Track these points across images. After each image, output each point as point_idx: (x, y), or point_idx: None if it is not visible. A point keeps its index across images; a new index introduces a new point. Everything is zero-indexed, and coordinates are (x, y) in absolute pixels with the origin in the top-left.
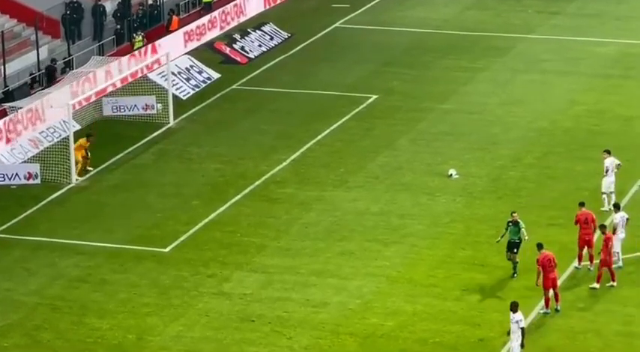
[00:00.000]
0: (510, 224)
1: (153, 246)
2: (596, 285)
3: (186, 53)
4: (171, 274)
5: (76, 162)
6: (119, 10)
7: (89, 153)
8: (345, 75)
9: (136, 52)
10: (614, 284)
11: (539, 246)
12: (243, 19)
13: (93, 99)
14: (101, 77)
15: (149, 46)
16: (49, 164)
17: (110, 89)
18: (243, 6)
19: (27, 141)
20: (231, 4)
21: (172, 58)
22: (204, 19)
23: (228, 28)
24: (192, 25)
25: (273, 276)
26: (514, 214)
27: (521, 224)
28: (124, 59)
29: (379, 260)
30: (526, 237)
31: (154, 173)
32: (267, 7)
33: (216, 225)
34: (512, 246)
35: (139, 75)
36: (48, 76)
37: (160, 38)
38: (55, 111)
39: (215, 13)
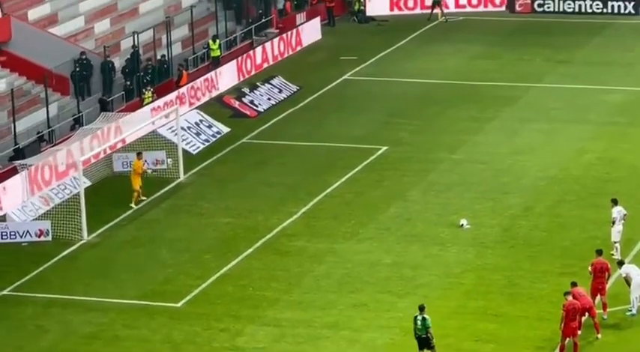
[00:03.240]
0: (419, 319)
1: (165, 301)
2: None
3: (194, 108)
4: (184, 329)
5: (134, 191)
6: (127, 66)
7: (145, 173)
8: (354, 126)
9: (146, 107)
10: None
11: (568, 293)
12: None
13: (103, 155)
14: (111, 133)
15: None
16: (60, 221)
17: (120, 145)
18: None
19: (38, 198)
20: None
21: (181, 114)
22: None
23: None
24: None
25: (286, 330)
26: (423, 310)
27: (428, 321)
28: (134, 115)
29: (392, 311)
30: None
31: (165, 228)
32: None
33: (228, 279)
34: (425, 342)
35: (149, 130)
36: (102, 108)
37: (169, 93)
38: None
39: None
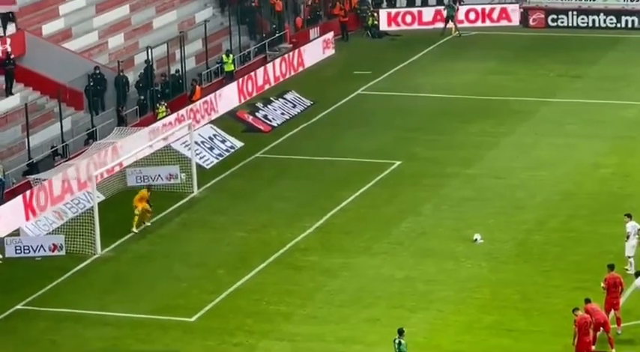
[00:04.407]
0: (397, 342)
1: (178, 316)
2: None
3: (208, 122)
4: (197, 344)
5: (137, 215)
6: (141, 81)
7: (151, 206)
8: (368, 141)
9: (159, 122)
10: None
11: (576, 309)
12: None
13: (117, 170)
14: (124, 148)
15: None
16: (73, 235)
17: (134, 159)
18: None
19: (52, 212)
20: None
21: (195, 128)
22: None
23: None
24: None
25: (300, 344)
26: (402, 334)
27: (403, 345)
28: (147, 129)
29: (405, 326)
30: None
31: (178, 242)
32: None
33: (242, 294)
34: None
35: (163, 145)
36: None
37: (182, 108)
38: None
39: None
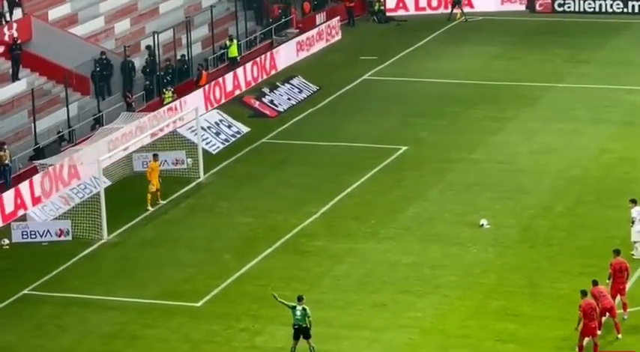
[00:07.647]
0: (299, 309)
1: (184, 301)
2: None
3: (214, 108)
4: (203, 329)
5: (150, 192)
6: (148, 66)
7: (160, 177)
8: (373, 126)
9: (166, 107)
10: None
11: (584, 293)
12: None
13: (123, 154)
14: (131, 133)
15: (178, 102)
16: (80, 220)
17: (140, 145)
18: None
19: (58, 198)
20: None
21: (201, 113)
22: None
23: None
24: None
25: None
26: (302, 300)
27: (308, 310)
28: (154, 114)
29: (411, 311)
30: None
31: (184, 228)
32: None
33: (248, 279)
34: (302, 333)
35: (169, 130)
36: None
37: (189, 93)
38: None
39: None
